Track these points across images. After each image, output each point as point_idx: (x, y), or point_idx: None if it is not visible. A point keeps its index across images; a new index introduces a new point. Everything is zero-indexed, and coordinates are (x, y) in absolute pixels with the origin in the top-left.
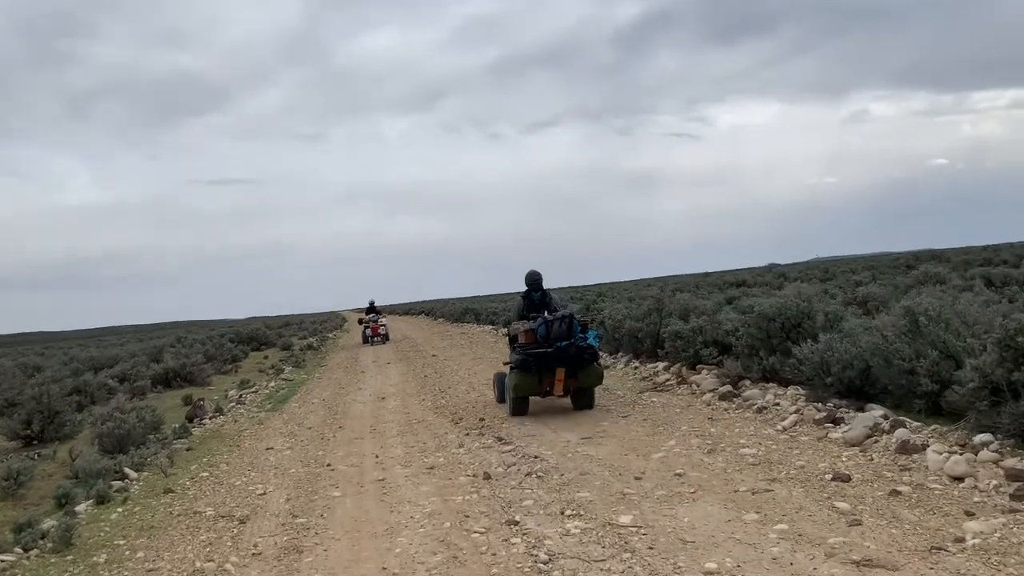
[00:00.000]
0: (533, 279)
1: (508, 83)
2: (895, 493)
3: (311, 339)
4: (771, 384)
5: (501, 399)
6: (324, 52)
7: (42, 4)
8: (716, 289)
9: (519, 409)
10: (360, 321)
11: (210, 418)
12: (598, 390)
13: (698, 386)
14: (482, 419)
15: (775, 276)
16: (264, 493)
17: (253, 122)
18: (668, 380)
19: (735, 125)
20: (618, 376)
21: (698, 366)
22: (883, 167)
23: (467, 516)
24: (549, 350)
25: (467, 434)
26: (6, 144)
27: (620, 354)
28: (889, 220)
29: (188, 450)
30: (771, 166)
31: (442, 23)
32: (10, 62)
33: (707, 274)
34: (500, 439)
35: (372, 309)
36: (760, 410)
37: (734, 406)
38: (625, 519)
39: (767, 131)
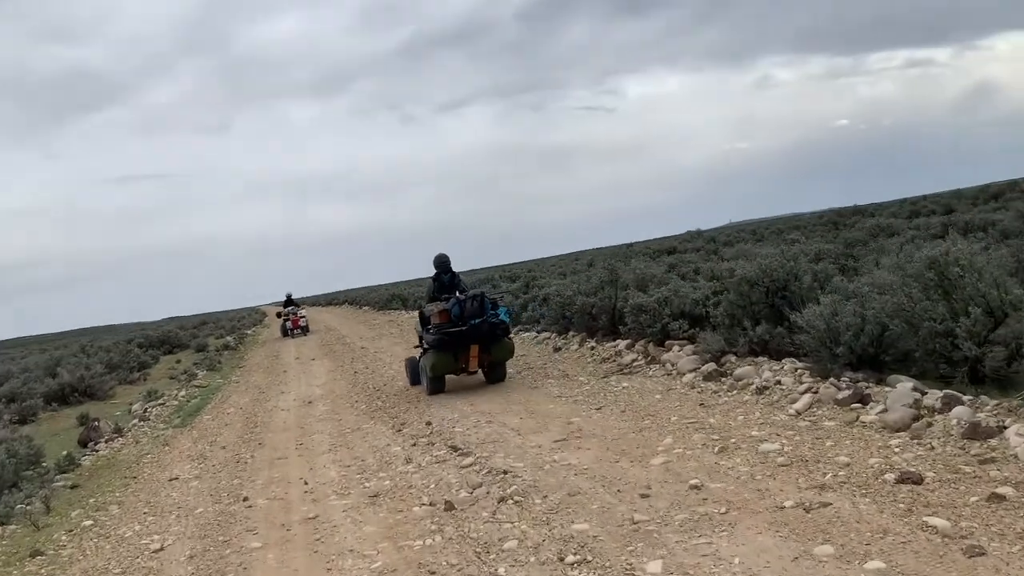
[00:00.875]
0: (441, 261)
1: (417, 65)
2: (997, 498)
3: (228, 338)
4: (761, 358)
5: (415, 382)
6: (224, 40)
7: None
8: (647, 258)
9: (436, 388)
10: (278, 315)
11: (107, 441)
12: (558, 376)
13: (673, 365)
14: (429, 423)
15: (705, 241)
16: (161, 548)
17: (155, 116)
18: (635, 360)
19: (646, 96)
20: (573, 359)
21: (667, 342)
22: (789, 130)
23: (432, 574)
24: (464, 328)
25: (414, 444)
26: None
27: (571, 334)
28: (799, 181)
29: (72, 488)
30: (684, 134)
31: (345, 6)
32: None
33: (630, 244)
34: (455, 448)
35: (290, 302)
36: (760, 391)
37: (725, 387)
38: (653, 566)
39: (678, 100)
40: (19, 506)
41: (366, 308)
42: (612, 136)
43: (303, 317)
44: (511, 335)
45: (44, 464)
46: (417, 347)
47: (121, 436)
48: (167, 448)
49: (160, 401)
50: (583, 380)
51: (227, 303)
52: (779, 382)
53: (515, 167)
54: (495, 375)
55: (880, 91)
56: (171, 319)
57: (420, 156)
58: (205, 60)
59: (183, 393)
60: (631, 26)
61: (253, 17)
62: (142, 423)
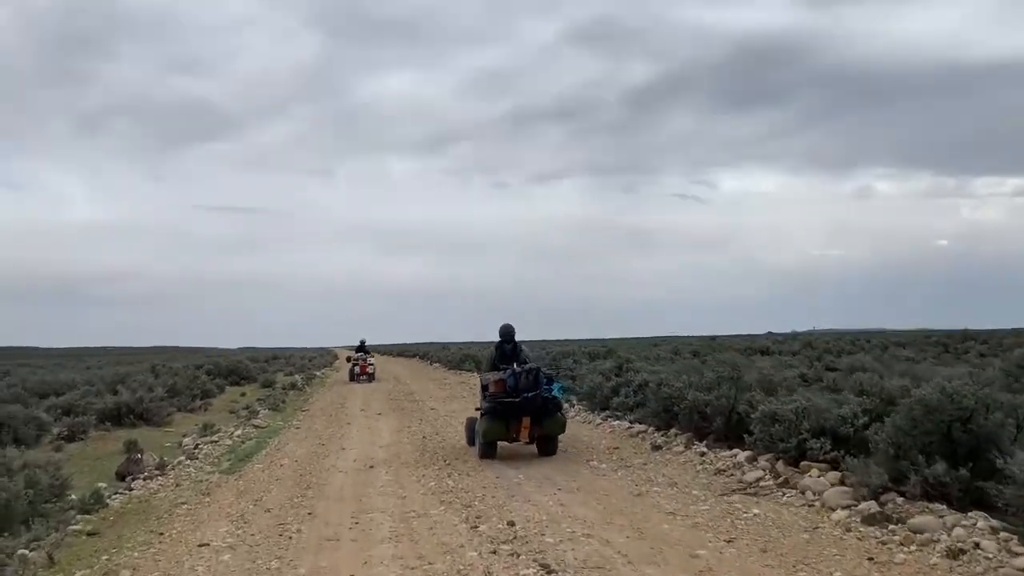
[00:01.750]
0: (506, 332)
1: (517, 134)
2: None
3: (296, 377)
4: (938, 505)
5: (471, 443)
6: (337, 90)
7: (64, 23)
8: (739, 354)
9: (487, 453)
10: (348, 359)
11: (145, 478)
12: (664, 484)
13: (816, 495)
14: (512, 523)
15: (802, 344)
16: None
17: (261, 153)
18: (761, 479)
19: (740, 191)
20: (679, 464)
21: (802, 462)
22: (884, 244)
23: None
24: (516, 399)
25: (494, 551)
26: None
27: (674, 432)
28: (888, 297)
29: (90, 535)
30: (773, 234)
31: (456, 71)
32: (26, 78)
33: (714, 337)
34: (549, 571)
35: (362, 348)
36: (952, 554)
37: (897, 539)
38: None
39: (771, 199)
40: (21, 551)
41: (437, 365)
42: (700, 226)
43: (371, 364)
44: (563, 411)
45: (70, 497)
46: (477, 409)
47: (162, 475)
48: (207, 499)
49: (214, 438)
50: (698, 495)
51: (301, 340)
52: (978, 545)
53: (599, 244)
54: (546, 448)
55: (985, 215)
56: (246, 348)
57: (507, 223)
58: (316, 106)
59: (239, 432)
60: (733, 121)
61: (368, 72)
62: (189, 462)
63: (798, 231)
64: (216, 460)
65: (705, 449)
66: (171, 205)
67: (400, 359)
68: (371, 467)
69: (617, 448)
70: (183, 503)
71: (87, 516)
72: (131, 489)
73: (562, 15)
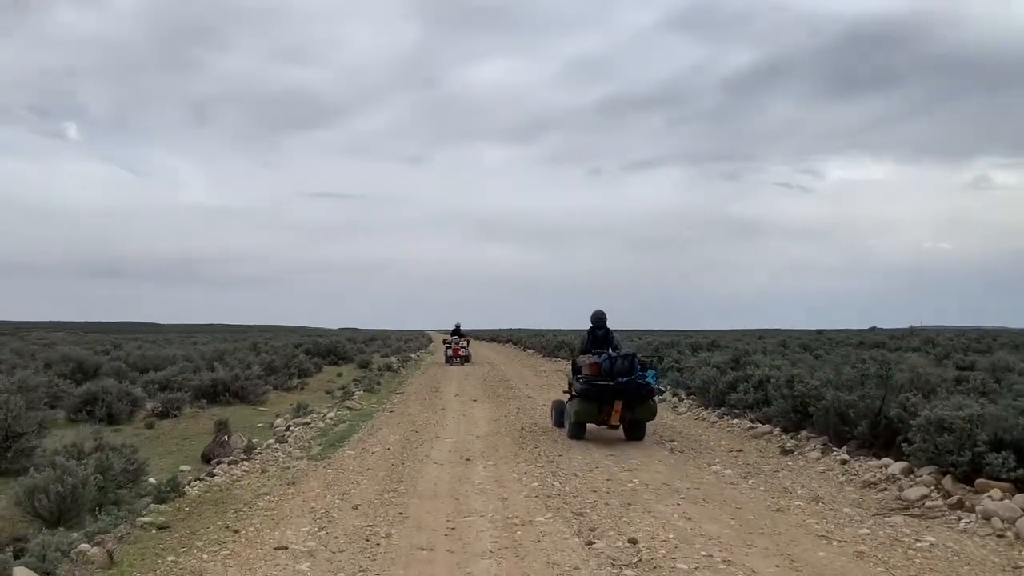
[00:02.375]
0: (598, 318)
1: (612, 122)
2: None
3: (392, 358)
4: None
5: (558, 424)
6: (433, 79)
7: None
8: (844, 350)
9: (576, 434)
10: (444, 341)
11: (230, 463)
12: (807, 498)
13: (1005, 522)
14: (634, 540)
15: (922, 341)
16: None
17: (360, 141)
18: (926, 497)
19: (847, 180)
20: (816, 473)
21: (977, 480)
22: (1003, 238)
23: None
24: (611, 383)
25: (617, 569)
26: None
27: (805, 435)
28: (1005, 294)
29: (160, 529)
30: (881, 226)
31: (551, 59)
32: (143, 68)
33: (820, 331)
34: None
35: (457, 331)
36: None
37: None
38: None
39: (880, 189)
40: (81, 545)
41: (531, 351)
42: (804, 217)
43: (464, 347)
44: (655, 398)
45: (146, 482)
46: (566, 392)
47: (248, 459)
48: (291, 491)
49: (306, 420)
50: (850, 513)
51: (397, 323)
52: None
53: (696, 234)
54: (635, 433)
55: None
56: (346, 329)
57: (601, 211)
58: (413, 95)
59: (332, 415)
60: (839, 108)
61: (463, 61)
62: (277, 445)
63: (907, 223)
64: (306, 444)
65: (847, 456)
66: (278, 191)
67: (492, 344)
68: (467, 460)
69: (741, 451)
70: (265, 494)
71: (161, 506)
72: (213, 475)
73: (660, 1)
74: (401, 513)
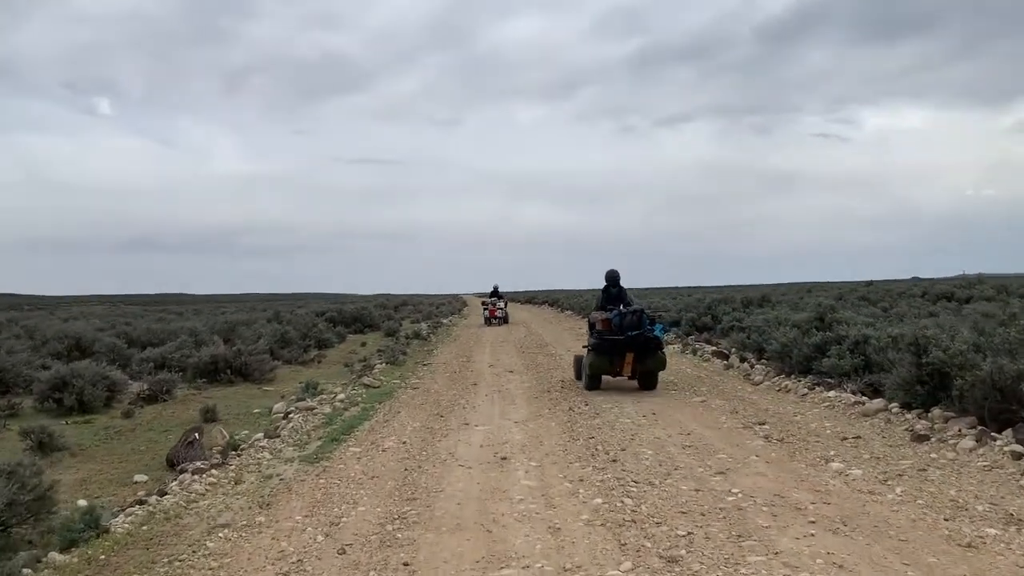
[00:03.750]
0: (611, 276)
1: (645, 75)
2: None
3: (422, 324)
4: None
5: (579, 377)
6: (464, 38)
7: None
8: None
9: (593, 385)
10: (483, 303)
11: (196, 471)
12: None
13: None
14: None
15: (996, 290)
16: None
17: (393, 104)
18: None
19: (885, 128)
20: (985, 471)
21: None
22: None
23: None
24: (621, 337)
25: None
26: (164, 115)
27: (941, 412)
28: None
29: None
30: (922, 173)
31: (583, 13)
32: (174, 39)
33: (870, 282)
34: None
35: (495, 293)
36: None
37: None
38: None
39: (920, 136)
40: None
41: (569, 312)
42: (842, 167)
43: (501, 309)
44: (663, 349)
45: (56, 514)
46: (585, 347)
47: (224, 463)
48: (261, 518)
49: (313, 403)
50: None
51: (433, 287)
52: None
53: (731, 188)
54: (647, 383)
55: None
56: (381, 295)
57: (635, 167)
58: (445, 56)
59: (344, 395)
60: (877, 54)
61: (494, 18)
62: (267, 442)
63: (949, 170)
64: (304, 438)
65: (1020, 447)
66: (312, 158)
67: (529, 306)
68: (503, 459)
69: (859, 438)
70: (224, 525)
71: (63, 556)
72: (164, 493)
73: None
74: (407, 564)
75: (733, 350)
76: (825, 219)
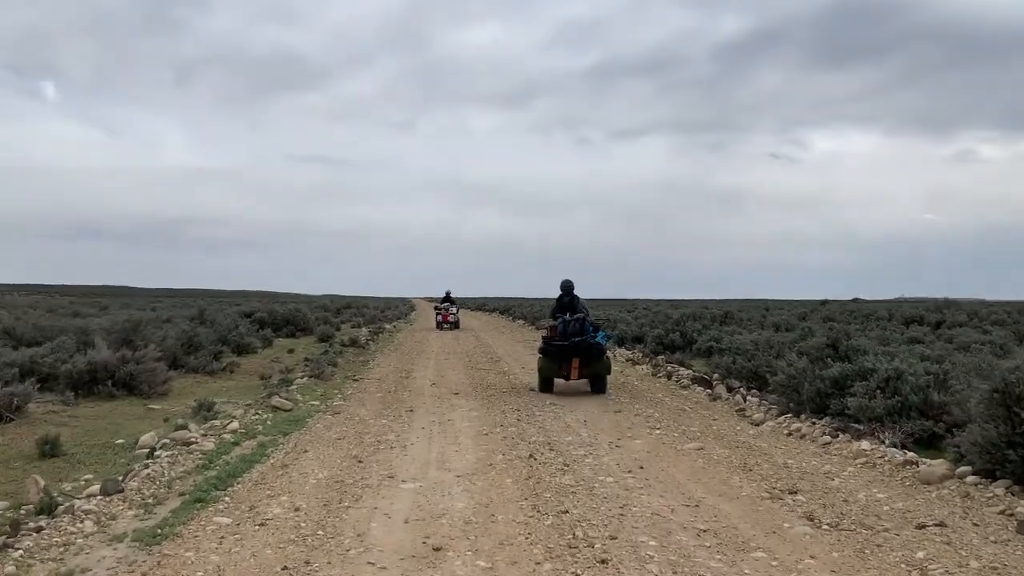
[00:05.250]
0: (566, 286)
1: (600, 89)
2: None
3: (363, 330)
4: None
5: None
6: (422, 42)
7: None
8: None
9: (545, 388)
10: (436, 308)
11: None
12: None
13: None
14: None
15: (967, 314)
16: None
17: (348, 104)
18: None
19: (833, 151)
20: None
21: None
22: (988, 210)
23: None
24: (565, 343)
25: None
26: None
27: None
28: (990, 267)
29: None
30: (868, 197)
31: (542, 23)
32: (125, 28)
33: (824, 302)
34: None
35: (447, 299)
36: None
37: None
38: None
39: (866, 161)
40: None
41: (520, 321)
42: (791, 188)
43: (453, 313)
44: (607, 355)
45: None
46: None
47: (6, 546)
48: None
49: (196, 433)
50: None
51: (385, 290)
52: None
53: (682, 203)
54: (596, 387)
55: None
56: (330, 296)
57: (588, 179)
58: (401, 59)
59: (242, 421)
60: (827, 79)
61: (452, 23)
62: (97, 501)
63: (893, 195)
64: (161, 491)
65: None
66: (264, 154)
67: (479, 314)
68: (436, 550)
69: (942, 525)
70: None
71: None
72: None
73: None
74: None
75: (715, 376)
76: (773, 238)
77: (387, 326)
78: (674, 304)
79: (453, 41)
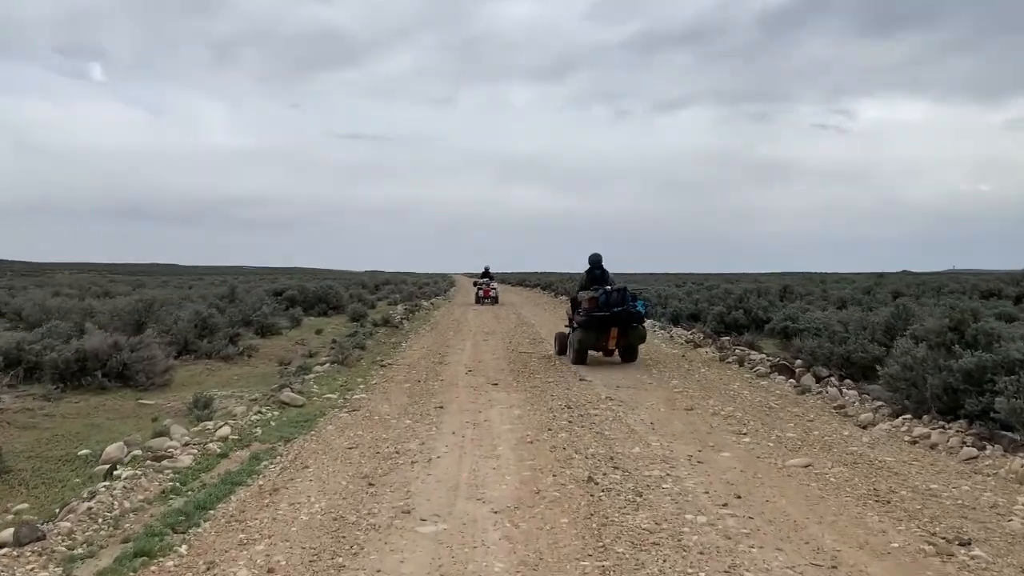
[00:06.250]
0: (595, 259)
1: (641, 60)
2: None
3: (398, 307)
4: None
5: (561, 352)
6: (461, 17)
7: None
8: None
9: (579, 360)
10: (475, 283)
11: None
12: None
13: None
14: None
15: None
16: None
17: (387, 81)
18: None
19: (881, 120)
20: None
21: None
22: None
23: None
24: (607, 314)
25: None
26: (154, 85)
27: None
28: None
29: None
30: (917, 167)
31: None
32: (164, 8)
33: (882, 275)
34: None
35: (487, 274)
36: None
37: None
38: None
39: (916, 130)
40: None
41: (563, 297)
42: (837, 158)
43: (494, 289)
44: (644, 324)
45: None
46: (567, 326)
47: None
48: None
49: (176, 441)
50: None
51: (425, 266)
52: None
53: (726, 176)
54: (629, 356)
55: None
56: (372, 272)
57: (629, 152)
58: (441, 34)
59: (240, 422)
60: (875, 46)
61: None
62: (9, 556)
63: (944, 164)
64: (103, 532)
65: None
66: (305, 132)
67: (519, 289)
68: None
69: None
70: None
71: None
72: None
73: None
74: None
75: (797, 363)
76: (818, 210)
77: (424, 303)
78: (723, 278)
79: (491, 15)
